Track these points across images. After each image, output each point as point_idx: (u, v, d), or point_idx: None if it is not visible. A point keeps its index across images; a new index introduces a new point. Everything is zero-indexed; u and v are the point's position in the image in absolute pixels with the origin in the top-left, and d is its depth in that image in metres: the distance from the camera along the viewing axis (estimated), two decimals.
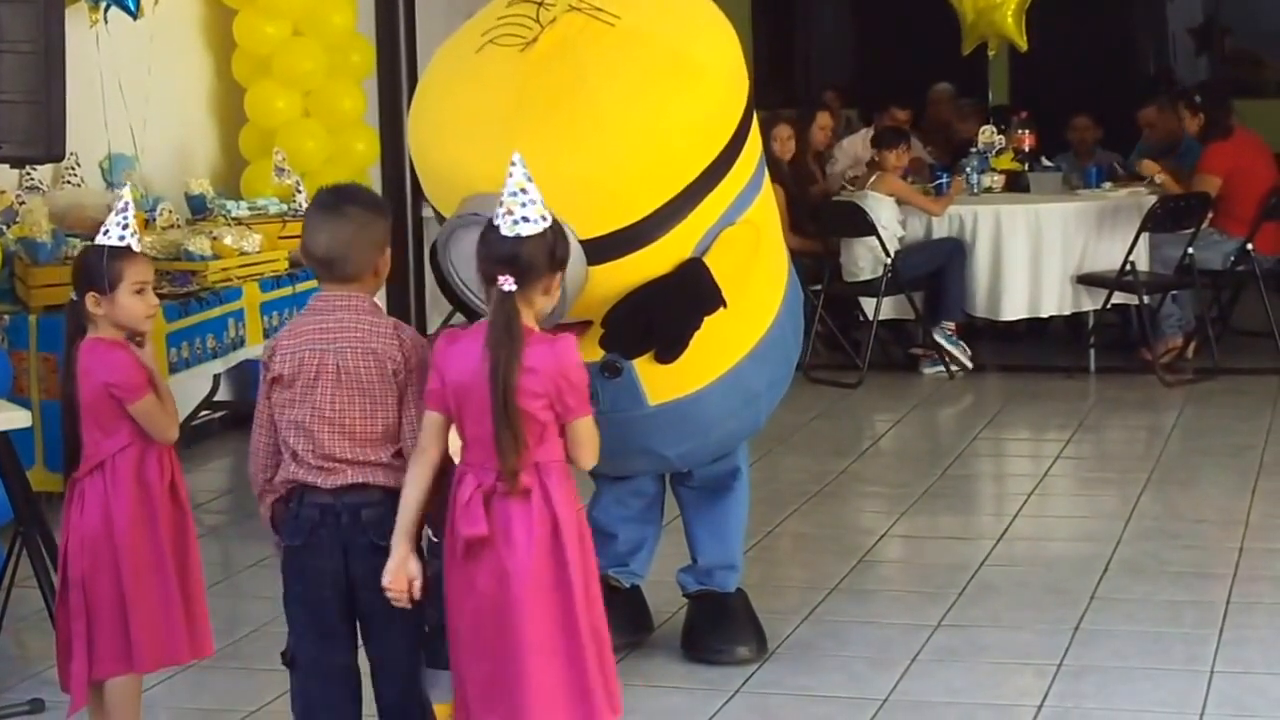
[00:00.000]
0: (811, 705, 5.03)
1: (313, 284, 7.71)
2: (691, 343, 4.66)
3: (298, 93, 8.55)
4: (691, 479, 5.33)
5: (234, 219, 7.70)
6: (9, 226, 6.92)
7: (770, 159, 5.61)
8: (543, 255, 3.76)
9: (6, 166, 6.35)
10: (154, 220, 7.42)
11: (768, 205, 5.02)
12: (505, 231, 3.72)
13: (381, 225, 3.98)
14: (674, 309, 4.61)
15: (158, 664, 4.46)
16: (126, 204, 4.36)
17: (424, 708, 4.08)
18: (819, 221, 9.93)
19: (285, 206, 8.00)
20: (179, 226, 7.57)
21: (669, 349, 4.69)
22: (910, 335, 10.21)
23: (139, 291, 4.31)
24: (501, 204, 3.74)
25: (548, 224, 3.76)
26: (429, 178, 4.69)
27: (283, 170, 8.12)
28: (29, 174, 7.20)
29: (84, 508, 4.36)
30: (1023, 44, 11.33)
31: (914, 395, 9.44)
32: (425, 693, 4.08)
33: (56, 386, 6.53)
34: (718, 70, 4.66)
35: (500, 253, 3.72)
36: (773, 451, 7.89)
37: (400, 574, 3.80)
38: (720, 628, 5.34)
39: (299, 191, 8.03)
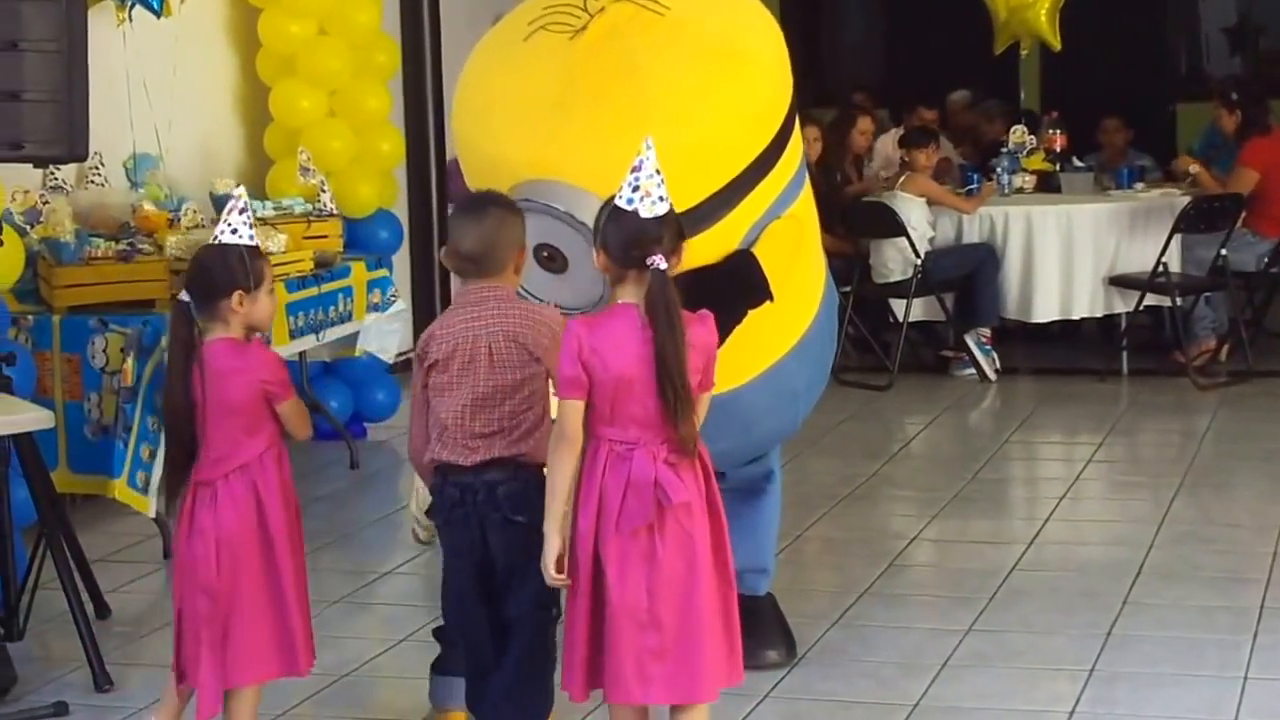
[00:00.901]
0: (841, 710, 4.99)
1: (338, 284, 7.76)
2: (736, 338, 4.62)
3: (323, 92, 8.52)
4: (724, 481, 5.26)
5: (259, 219, 7.65)
6: (33, 227, 6.90)
7: None
8: (677, 231, 3.97)
9: (30, 166, 6.32)
10: (178, 220, 7.39)
11: (809, 202, 5.02)
12: (645, 213, 3.88)
13: (519, 224, 4.26)
14: (722, 299, 4.56)
15: (310, 665, 4.45)
16: (246, 204, 4.36)
17: (547, 676, 4.28)
18: (849, 222, 9.88)
19: (310, 206, 7.96)
20: (204, 226, 7.52)
21: None
22: (940, 337, 10.15)
23: (270, 291, 4.39)
24: (636, 187, 3.89)
25: (670, 202, 3.93)
26: (473, 165, 4.65)
27: (308, 170, 8.08)
28: (53, 174, 7.18)
29: (218, 510, 4.29)
30: (1056, 43, 11.26)
31: (944, 398, 9.38)
32: (550, 664, 4.29)
33: (79, 387, 6.53)
34: (766, 62, 4.65)
35: (651, 233, 3.89)
36: (802, 454, 7.84)
37: (564, 561, 3.97)
38: (749, 632, 5.22)
39: (324, 191, 7.99)
